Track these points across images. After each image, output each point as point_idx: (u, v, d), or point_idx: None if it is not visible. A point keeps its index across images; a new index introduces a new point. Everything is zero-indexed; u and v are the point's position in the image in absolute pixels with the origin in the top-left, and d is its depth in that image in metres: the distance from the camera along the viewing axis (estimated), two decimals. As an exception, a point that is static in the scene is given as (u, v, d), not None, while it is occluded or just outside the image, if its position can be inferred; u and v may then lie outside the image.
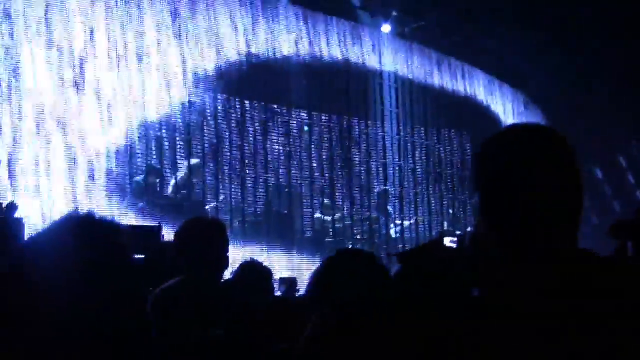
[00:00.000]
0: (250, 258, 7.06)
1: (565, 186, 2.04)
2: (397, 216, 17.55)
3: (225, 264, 4.60)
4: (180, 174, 14.13)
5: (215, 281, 4.47)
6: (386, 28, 17.77)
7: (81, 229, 1.93)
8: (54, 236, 1.95)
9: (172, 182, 13.97)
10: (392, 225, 17.29)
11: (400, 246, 17.42)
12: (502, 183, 2.05)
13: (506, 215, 2.05)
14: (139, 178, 13.38)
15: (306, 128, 16.34)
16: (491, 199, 2.09)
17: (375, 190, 17.41)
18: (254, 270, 6.23)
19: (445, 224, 18.83)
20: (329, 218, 16.33)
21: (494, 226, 2.10)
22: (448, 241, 4.05)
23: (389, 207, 17.30)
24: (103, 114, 12.90)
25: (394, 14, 17.71)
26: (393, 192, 17.62)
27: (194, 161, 14.25)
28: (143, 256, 7.35)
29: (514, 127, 2.27)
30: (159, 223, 10.99)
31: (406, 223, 17.77)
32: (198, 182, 14.39)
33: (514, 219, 2.03)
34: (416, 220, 18.18)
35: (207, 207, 14.31)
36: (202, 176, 14.36)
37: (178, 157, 14.17)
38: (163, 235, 9.43)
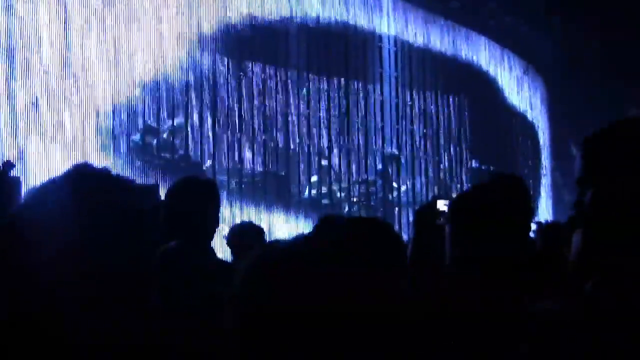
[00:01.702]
0: (242, 221, 7.08)
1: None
2: (394, 180, 17.55)
3: (215, 227, 4.53)
4: (178, 133, 14.12)
5: (206, 244, 4.42)
6: (387, -9, 17.71)
7: (80, 182, 1.92)
8: (52, 190, 1.95)
9: (169, 141, 13.96)
10: (388, 189, 17.29)
11: (397, 209, 17.48)
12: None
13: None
14: (136, 137, 13.37)
15: (304, 91, 16.32)
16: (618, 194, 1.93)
17: (374, 154, 17.41)
18: (245, 232, 6.26)
19: (437, 188, 18.83)
20: (325, 180, 16.34)
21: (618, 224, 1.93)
22: (441, 204, 4.06)
23: (392, 171, 17.29)
24: (103, 72, 12.87)
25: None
26: (391, 156, 17.60)
27: (177, 120, 14.18)
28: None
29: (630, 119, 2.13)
30: (156, 182, 11.02)
31: (403, 187, 17.78)
32: (196, 142, 14.39)
33: None
34: (413, 184, 18.21)
35: (204, 167, 14.31)
36: (183, 136, 14.28)
37: (176, 117, 14.16)
38: (160, 196, 9.46)
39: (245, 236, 6.21)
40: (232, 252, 6.37)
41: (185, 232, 4.31)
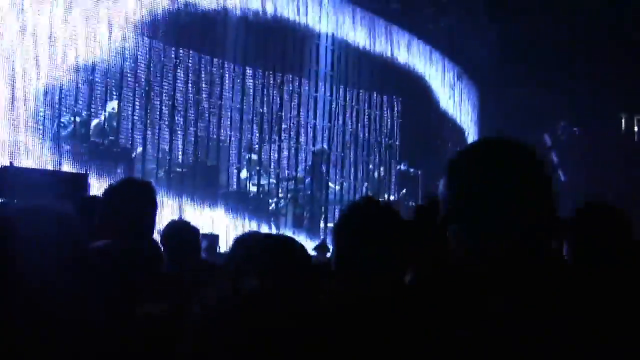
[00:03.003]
0: (178, 218, 6.98)
1: (535, 198, 2.08)
2: (324, 178, 17.53)
3: (152, 231, 4.53)
4: (108, 119, 13.90)
5: (142, 248, 4.37)
6: (328, -11, 17.68)
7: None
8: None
9: (99, 127, 13.74)
10: (317, 187, 17.26)
11: (322, 207, 17.47)
12: (476, 196, 2.10)
13: (479, 226, 2.09)
14: (64, 119, 13.12)
15: None
16: (465, 211, 2.12)
17: (303, 150, 17.38)
18: (181, 232, 6.14)
19: (367, 188, 18.90)
20: (254, 175, 16.26)
21: (467, 234, 2.13)
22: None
23: (316, 168, 17.26)
24: (36, 54, 12.59)
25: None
26: (321, 154, 17.57)
27: (111, 105, 13.98)
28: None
29: (484, 142, 2.30)
30: (85, 170, 10.86)
31: (331, 185, 17.79)
32: (126, 129, 14.19)
33: (487, 229, 2.08)
34: (341, 183, 18.23)
35: (133, 155, 14.12)
36: (117, 122, 14.10)
37: (107, 102, 13.95)
38: (89, 184, 9.31)
39: (181, 235, 6.10)
40: (165, 249, 6.24)
41: (120, 231, 4.30)
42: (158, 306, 3.31)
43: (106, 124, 13.81)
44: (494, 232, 2.07)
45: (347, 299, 2.75)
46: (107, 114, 13.84)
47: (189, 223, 6.43)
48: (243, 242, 3.29)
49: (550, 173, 2.13)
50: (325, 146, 17.69)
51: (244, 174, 16.18)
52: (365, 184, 18.87)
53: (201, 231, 12.76)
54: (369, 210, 3.14)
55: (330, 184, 17.73)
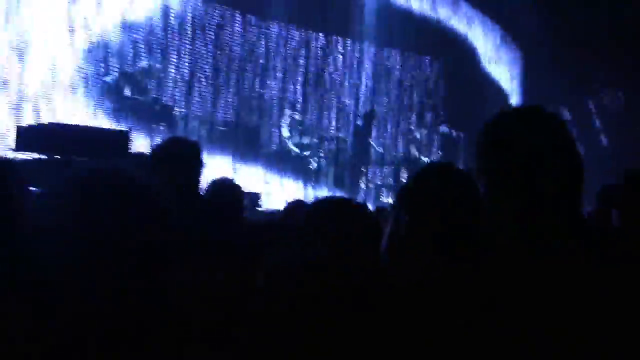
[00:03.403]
0: (222, 177, 6.92)
1: (568, 168, 2.14)
2: (367, 138, 17.45)
3: (198, 189, 4.58)
4: (153, 77, 13.90)
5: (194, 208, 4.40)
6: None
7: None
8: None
9: (142, 84, 13.74)
10: (359, 146, 17.19)
11: (363, 168, 17.42)
12: (513, 168, 2.13)
13: (516, 197, 2.13)
14: (109, 79, 13.13)
15: None
16: (502, 181, 2.15)
17: (345, 111, 17.32)
18: (225, 192, 6.10)
19: (412, 148, 18.82)
20: (295, 133, 16.21)
21: (503, 205, 2.17)
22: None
23: (367, 129, 17.15)
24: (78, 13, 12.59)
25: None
26: (369, 115, 17.47)
27: (142, 64, 13.97)
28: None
29: (516, 111, 2.36)
30: (129, 127, 10.86)
31: (373, 145, 17.71)
32: (170, 87, 14.20)
33: (522, 200, 2.12)
34: (383, 144, 18.15)
35: (175, 113, 14.12)
36: (173, 80, 14.13)
37: (152, 61, 13.95)
38: (131, 141, 9.30)
39: (226, 193, 6.07)
40: (209, 208, 6.22)
41: (168, 190, 4.32)
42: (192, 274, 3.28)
43: (151, 84, 13.82)
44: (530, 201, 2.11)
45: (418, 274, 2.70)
46: (149, 70, 13.84)
47: (233, 181, 6.38)
48: (299, 208, 3.26)
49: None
50: (374, 107, 17.61)
51: (285, 132, 16.14)
52: (407, 143, 18.77)
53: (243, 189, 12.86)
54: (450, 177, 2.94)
55: (372, 144, 17.64)
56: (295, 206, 6.74)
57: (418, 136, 19.11)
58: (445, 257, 2.67)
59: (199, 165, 4.57)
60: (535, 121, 2.19)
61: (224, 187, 6.21)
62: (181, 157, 4.48)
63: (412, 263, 2.78)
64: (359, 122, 17.07)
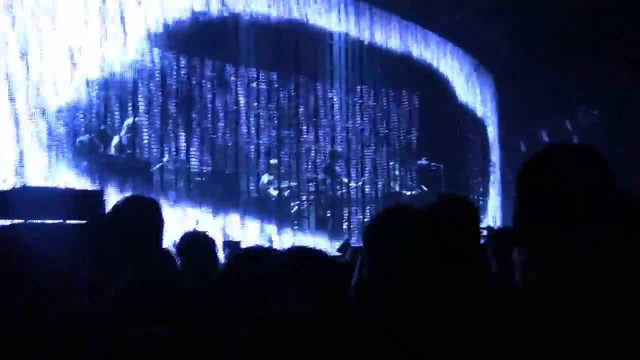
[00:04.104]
0: (194, 230, 6.90)
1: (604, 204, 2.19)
2: (343, 177, 17.45)
3: (159, 246, 4.54)
4: (125, 133, 13.86)
5: (151, 265, 4.35)
6: (338, -12, 17.60)
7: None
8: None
9: (116, 141, 13.69)
10: (338, 187, 17.18)
11: (346, 208, 17.40)
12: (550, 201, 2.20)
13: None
14: (83, 138, 13.07)
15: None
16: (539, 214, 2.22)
17: (323, 151, 17.30)
18: (197, 245, 6.06)
19: (393, 184, 18.82)
20: (274, 179, 16.16)
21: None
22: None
23: (336, 168, 17.16)
24: (47, 73, 12.54)
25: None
26: (340, 154, 17.51)
27: (127, 122, 13.97)
28: (84, 221, 7.10)
29: (560, 149, 2.37)
30: (101, 187, 10.80)
31: (352, 184, 17.70)
32: (142, 142, 14.15)
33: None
34: (363, 181, 18.14)
35: (152, 168, 14.07)
36: (135, 137, 14.09)
37: (124, 116, 13.91)
38: (105, 200, 9.25)
39: (197, 247, 6.02)
40: (181, 261, 6.16)
41: (127, 249, 4.31)
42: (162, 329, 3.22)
43: (124, 140, 13.78)
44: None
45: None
46: (124, 128, 13.82)
47: (205, 233, 6.35)
48: (261, 259, 3.23)
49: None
50: (338, 148, 17.60)
51: (264, 178, 16.10)
52: (386, 180, 18.78)
53: (224, 239, 12.77)
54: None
55: (351, 183, 17.63)
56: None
57: (397, 172, 19.11)
58: (407, 297, 2.63)
59: (157, 221, 4.54)
60: (578, 159, 2.26)
61: (196, 240, 6.17)
62: (138, 215, 4.46)
63: (374, 305, 2.75)
64: (330, 163, 17.04)
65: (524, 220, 2.25)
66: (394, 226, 2.77)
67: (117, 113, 13.83)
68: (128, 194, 11.76)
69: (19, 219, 6.95)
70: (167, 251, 4.76)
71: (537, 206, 2.20)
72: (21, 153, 12.02)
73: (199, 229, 11.08)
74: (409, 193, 18.53)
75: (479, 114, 21.53)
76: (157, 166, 14.18)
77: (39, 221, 6.80)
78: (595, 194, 2.16)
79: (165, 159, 14.37)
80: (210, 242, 6.19)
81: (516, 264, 5.15)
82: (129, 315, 3.70)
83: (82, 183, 12.37)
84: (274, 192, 16.10)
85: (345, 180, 17.47)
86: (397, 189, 18.79)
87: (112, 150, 13.60)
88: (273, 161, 16.21)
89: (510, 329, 2.03)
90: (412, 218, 2.81)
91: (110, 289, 3.81)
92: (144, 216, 4.49)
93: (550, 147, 2.33)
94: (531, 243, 2.23)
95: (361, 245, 3.19)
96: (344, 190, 17.38)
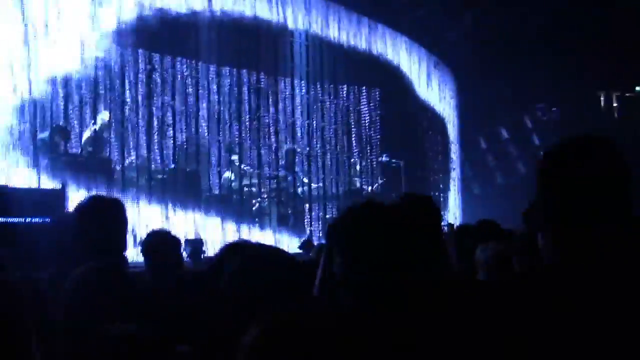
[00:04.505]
0: (159, 228, 6.89)
1: (618, 191, 2.25)
2: (304, 175, 17.48)
3: (124, 246, 4.56)
4: (87, 131, 13.80)
5: (121, 266, 4.36)
6: (298, -16, 17.59)
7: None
8: None
9: (81, 138, 13.64)
10: (299, 184, 17.21)
11: (307, 205, 17.43)
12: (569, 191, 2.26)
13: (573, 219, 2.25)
14: (43, 135, 12.97)
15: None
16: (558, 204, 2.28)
17: (284, 149, 17.31)
18: (161, 241, 6.07)
19: (348, 183, 18.87)
20: (236, 176, 16.14)
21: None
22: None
23: (296, 165, 17.18)
24: (7, 69, 12.43)
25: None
26: (301, 151, 17.55)
27: (102, 116, 13.94)
28: (48, 219, 7.12)
29: (575, 141, 2.48)
30: (62, 184, 10.75)
31: (311, 182, 17.72)
32: (105, 139, 14.07)
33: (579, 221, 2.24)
34: (323, 179, 18.18)
35: (113, 166, 14.00)
36: (109, 132, 14.06)
37: (85, 114, 13.83)
38: (67, 197, 9.23)
39: (161, 245, 6.03)
40: (146, 260, 6.17)
41: (92, 249, 4.33)
42: (128, 326, 3.23)
43: (85, 137, 13.71)
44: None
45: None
46: (86, 126, 13.76)
47: (169, 232, 6.36)
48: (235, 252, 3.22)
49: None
50: (294, 145, 17.61)
51: (225, 175, 16.08)
52: (347, 178, 18.83)
53: (186, 236, 12.74)
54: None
55: (305, 180, 17.63)
56: (231, 250, 6.74)
57: (358, 167, 19.17)
58: (382, 290, 2.66)
59: (121, 221, 4.57)
60: (592, 151, 2.33)
61: (159, 238, 6.19)
62: (101, 215, 4.48)
63: (348, 299, 2.76)
64: (288, 160, 17.06)
65: (550, 209, 2.30)
66: (364, 223, 2.79)
67: (77, 110, 13.74)
68: (88, 192, 11.78)
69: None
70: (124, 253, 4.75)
71: (562, 197, 2.25)
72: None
73: (163, 226, 11.02)
74: (370, 189, 18.63)
75: (439, 110, 21.63)
76: (117, 161, 14.12)
77: (1, 219, 6.81)
78: (619, 186, 2.22)
79: (127, 162, 14.30)
80: (175, 241, 6.21)
81: (480, 261, 5.17)
82: (83, 310, 3.72)
83: (42, 181, 12.28)
84: (235, 189, 16.10)
85: (306, 177, 17.49)
86: (358, 185, 18.84)
87: (73, 148, 13.54)
88: (234, 157, 16.18)
89: (512, 317, 2.10)
90: (381, 215, 2.84)
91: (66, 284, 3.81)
92: (108, 215, 4.51)
93: (572, 139, 2.44)
94: (555, 232, 2.28)
95: (323, 242, 3.22)
96: (305, 187, 17.40)
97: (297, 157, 17.21)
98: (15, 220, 6.92)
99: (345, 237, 2.79)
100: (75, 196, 11.06)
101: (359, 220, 2.83)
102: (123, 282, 4.01)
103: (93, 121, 13.82)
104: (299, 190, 17.21)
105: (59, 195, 8.10)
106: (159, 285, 5.69)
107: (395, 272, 2.67)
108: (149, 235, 6.37)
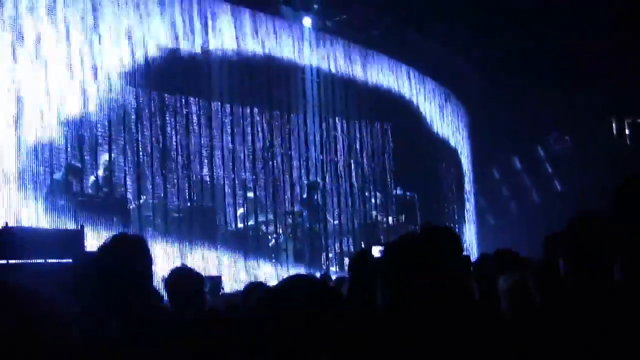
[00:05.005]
0: (182, 265, 6.91)
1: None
2: (320, 210, 17.48)
3: (150, 284, 4.52)
4: (101, 171, 13.82)
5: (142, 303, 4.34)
6: (307, 21, 17.65)
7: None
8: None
9: (92, 179, 13.66)
10: (314, 219, 17.20)
11: (323, 240, 17.42)
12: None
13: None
14: (57, 175, 13.00)
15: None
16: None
17: (298, 184, 17.33)
18: (184, 279, 6.08)
19: (364, 216, 18.85)
20: (251, 212, 16.16)
21: None
22: (376, 250, 3.99)
23: (312, 201, 17.19)
24: (19, 109, 12.48)
25: (316, 6, 17.63)
26: (316, 186, 17.56)
27: (103, 159, 13.93)
28: (69, 260, 7.11)
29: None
30: (81, 226, 10.76)
31: (328, 217, 17.73)
32: (120, 179, 14.10)
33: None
34: (339, 214, 18.17)
35: (129, 206, 14.03)
36: (114, 173, 14.06)
37: (99, 154, 13.86)
38: (85, 238, 9.23)
39: (185, 283, 6.03)
40: (169, 297, 6.18)
41: (117, 289, 4.30)
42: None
43: (100, 178, 13.74)
44: None
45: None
46: (100, 166, 13.77)
47: (192, 270, 6.35)
48: (258, 289, 3.22)
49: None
50: (317, 179, 17.64)
51: (241, 212, 16.10)
52: (363, 210, 18.82)
53: (203, 274, 12.72)
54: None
55: (327, 216, 17.66)
56: (254, 288, 6.77)
57: (374, 201, 19.15)
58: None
59: (146, 259, 4.52)
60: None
61: (183, 275, 6.19)
62: (126, 254, 4.44)
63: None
64: (309, 195, 17.07)
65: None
66: (416, 256, 2.85)
67: (91, 152, 13.77)
68: (106, 232, 11.80)
69: (0, 259, 6.95)
70: (156, 290, 4.74)
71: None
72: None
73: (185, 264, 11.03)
74: (385, 223, 18.61)
75: (452, 142, 21.65)
76: (134, 203, 14.15)
77: (21, 261, 6.81)
78: None
79: (142, 200, 14.31)
80: (198, 278, 6.21)
81: (502, 289, 5.13)
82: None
83: (59, 222, 12.30)
84: (251, 226, 16.12)
85: (321, 212, 17.49)
86: (374, 219, 18.82)
87: (89, 189, 13.56)
88: (249, 194, 16.22)
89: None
90: (426, 248, 2.89)
91: (106, 332, 3.81)
92: (132, 255, 4.48)
93: None
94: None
95: (342, 275, 3.26)
96: (320, 222, 17.40)
97: (312, 193, 17.18)
98: (36, 261, 6.91)
99: (398, 270, 2.83)
100: (92, 237, 11.10)
101: (409, 253, 2.87)
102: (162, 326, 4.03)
103: (96, 165, 13.81)
104: (315, 225, 17.20)
105: (79, 236, 8.08)
106: (181, 320, 5.69)
107: (442, 304, 2.73)
108: (171, 273, 6.37)
